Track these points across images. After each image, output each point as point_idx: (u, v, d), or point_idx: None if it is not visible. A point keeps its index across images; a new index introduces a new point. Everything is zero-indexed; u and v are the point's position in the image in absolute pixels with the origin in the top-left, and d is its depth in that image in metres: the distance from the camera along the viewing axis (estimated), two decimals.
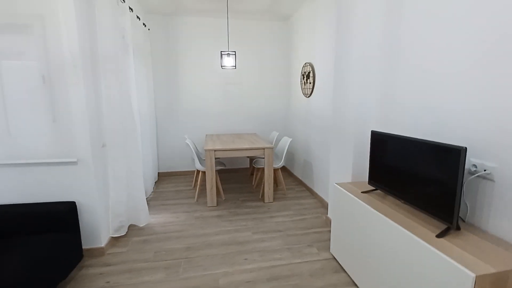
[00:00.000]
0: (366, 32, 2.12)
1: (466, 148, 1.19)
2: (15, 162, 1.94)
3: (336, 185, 2.06)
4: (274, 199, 3.40)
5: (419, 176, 1.48)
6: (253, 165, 3.63)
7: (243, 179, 4.21)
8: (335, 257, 2.10)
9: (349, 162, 2.31)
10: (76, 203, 2.08)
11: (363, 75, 2.18)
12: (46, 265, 1.65)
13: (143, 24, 3.56)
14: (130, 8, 2.91)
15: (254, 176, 3.97)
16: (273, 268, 2.02)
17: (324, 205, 3.15)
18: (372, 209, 1.61)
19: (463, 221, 1.45)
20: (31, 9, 1.85)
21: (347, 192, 1.90)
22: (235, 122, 4.57)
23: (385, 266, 1.49)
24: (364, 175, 2.29)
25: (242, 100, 4.52)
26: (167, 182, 4.09)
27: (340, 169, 2.46)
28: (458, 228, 1.34)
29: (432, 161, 1.38)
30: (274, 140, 4.03)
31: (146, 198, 3.41)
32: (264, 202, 3.30)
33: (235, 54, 3.36)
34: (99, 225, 2.17)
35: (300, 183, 4.01)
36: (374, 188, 1.90)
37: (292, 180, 4.20)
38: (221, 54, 3.34)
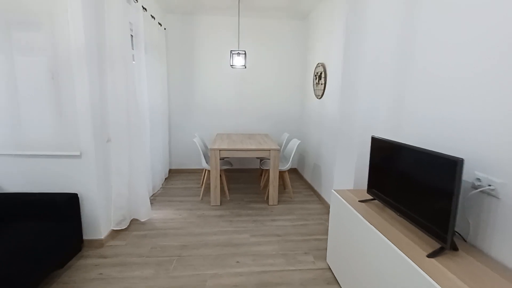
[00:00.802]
0: (377, 36, 1.98)
1: (463, 159, 1.06)
2: (23, 153, 2.07)
3: (334, 191, 1.96)
4: (279, 202, 3.33)
5: (415, 188, 1.35)
6: (260, 166, 3.58)
7: (251, 180, 4.17)
8: (331, 267, 2.00)
9: (352, 168, 2.18)
10: (78, 195, 2.17)
11: (373, 81, 2.04)
12: (43, 253, 1.74)
13: (159, 23, 3.65)
14: (143, 7, 2.99)
15: (262, 177, 3.92)
16: (263, 273, 1.97)
17: (329, 212, 3.02)
18: (364, 221, 1.50)
19: (465, 240, 1.30)
20: (41, 6, 1.95)
21: (343, 200, 1.79)
22: (248, 122, 4.55)
23: (375, 283, 1.38)
24: (365, 184, 2.15)
25: (256, 100, 4.48)
26: (177, 179, 4.17)
27: (344, 175, 2.33)
28: (455, 249, 1.19)
29: (428, 172, 1.25)
30: (284, 142, 3.95)
31: (154, 194, 3.50)
32: (268, 204, 3.24)
33: (245, 54, 3.33)
34: (99, 217, 2.25)
35: (309, 187, 3.89)
36: (372, 197, 1.77)
37: (301, 184, 4.09)
38: (231, 54, 3.32)
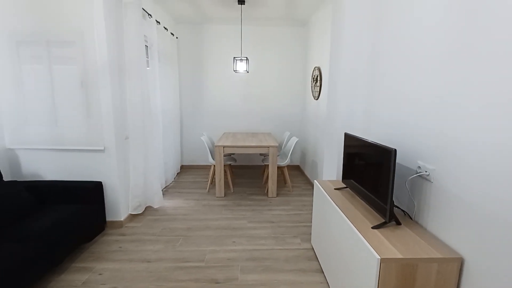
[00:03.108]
0: (353, 46, 2.26)
1: (395, 149, 1.34)
2: (58, 147, 2.52)
3: (316, 182, 2.25)
4: (278, 194, 3.64)
5: (369, 174, 1.63)
6: (262, 162, 3.90)
7: (255, 175, 4.50)
8: (313, 248, 2.29)
9: (335, 162, 2.46)
10: (102, 183, 2.60)
11: (351, 87, 2.32)
12: (75, 229, 2.16)
13: (171, 33, 4.07)
14: (157, 21, 3.40)
15: (264, 173, 4.24)
16: (254, 251, 2.29)
17: None
18: (333, 204, 1.79)
19: (411, 218, 1.56)
20: (73, 25, 2.38)
21: (322, 189, 2.08)
22: (253, 122, 4.89)
23: (337, 255, 1.67)
24: None
25: (260, 102, 4.81)
26: (188, 174, 4.58)
27: (330, 169, 2.62)
28: (398, 223, 1.47)
29: (376, 161, 1.53)
30: (285, 140, 4.25)
31: (167, 186, 3.92)
32: (267, 196, 3.56)
33: (247, 59, 3.67)
34: (119, 202, 2.67)
35: (308, 182, 4.17)
36: (345, 186, 2.05)
37: (302, 179, 4.37)
38: (234, 60, 3.67)
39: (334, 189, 2.07)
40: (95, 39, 2.39)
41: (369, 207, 1.72)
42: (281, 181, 4.16)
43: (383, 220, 1.48)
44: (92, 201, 2.48)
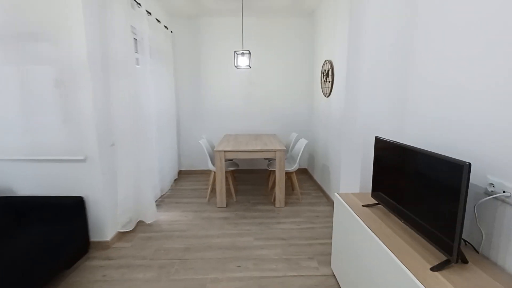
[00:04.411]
0: (378, 36, 1.88)
1: (470, 164, 0.96)
2: (32, 157, 2.14)
3: (337, 195, 1.87)
4: (287, 203, 3.26)
5: (420, 193, 1.25)
6: (267, 167, 3.52)
7: (259, 181, 4.13)
8: (335, 274, 1.91)
9: (357, 170, 2.08)
10: (84, 198, 2.22)
11: (375, 82, 1.94)
12: (50, 254, 1.79)
13: (165, 26, 3.68)
14: (147, 11, 3.02)
15: (270, 178, 3.86)
16: (264, 279, 1.92)
17: None
18: (366, 228, 1.41)
19: (477, 252, 1.18)
20: (46, 18, 2.00)
21: (346, 205, 1.71)
22: (256, 122, 4.51)
23: None
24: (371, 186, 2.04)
25: (264, 100, 4.43)
26: (186, 180, 4.21)
27: (349, 177, 2.24)
28: (464, 261, 1.09)
29: (434, 176, 1.15)
30: (292, 142, 3.87)
31: (162, 195, 3.54)
32: (275, 206, 3.19)
33: (249, 53, 3.29)
34: (105, 220, 2.29)
35: (318, 188, 3.79)
36: (376, 202, 1.67)
37: (311, 184, 3.99)
38: (235, 54, 3.29)
39: (362, 205, 1.69)
40: (71, 31, 2.01)
41: (417, 235, 1.34)
42: (288, 187, 3.78)
43: (446, 259, 1.10)
44: (73, 220, 2.11)
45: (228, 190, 3.49)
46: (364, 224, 1.44)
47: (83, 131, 2.14)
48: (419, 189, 1.25)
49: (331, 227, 2.68)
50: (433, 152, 1.16)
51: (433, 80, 1.45)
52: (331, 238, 2.46)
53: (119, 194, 2.45)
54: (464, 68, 1.24)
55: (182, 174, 4.51)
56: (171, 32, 4.05)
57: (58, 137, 2.15)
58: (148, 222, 2.71)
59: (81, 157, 2.15)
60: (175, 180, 4.19)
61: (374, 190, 1.68)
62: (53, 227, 1.96)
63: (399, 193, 1.41)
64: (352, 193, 1.91)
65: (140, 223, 2.74)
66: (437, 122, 1.42)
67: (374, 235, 1.32)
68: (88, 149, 2.16)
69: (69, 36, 2.01)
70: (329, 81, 3.28)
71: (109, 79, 2.32)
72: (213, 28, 4.18)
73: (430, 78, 1.47)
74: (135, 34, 2.88)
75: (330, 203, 3.24)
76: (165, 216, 2.93)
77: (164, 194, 3.60)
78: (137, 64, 2.98)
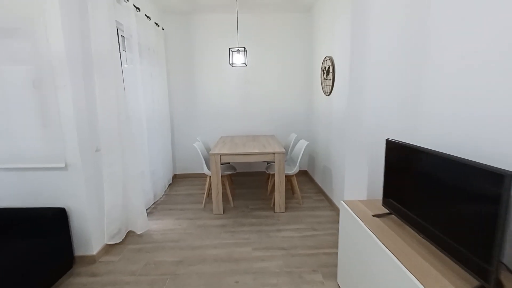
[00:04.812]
0: (385, 26, 1.72)
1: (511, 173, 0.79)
2: (6, 166, 1.95)
3: (343, 203, 1.70)
4: (287, 208, 3.09)
5: (445, 206, 1.08)
6: (266, 170, 3.35)
7: (258, 184, 3.95)
8: None
9: (364, 174, 1.91)
10: (66, 209, 2.04)
11: (383, 77, 1.77)
12: (29, 273, 1.62)
13: (156, 23, 3.50)
14: (136, 7, 2.83)
15: (269, 181, 3.68)
16: None
17: None
18: (379, 243, 1.24)
19: (510, 272, 1.01)
20: (20, 11, 1.82)
21: (354, 214, 1.53)
22: (254, 123, 4.33)
23: None
24: (380, 193, 1.87)
25: (261, 99, 4.25)
26: (181, 185, 4.02)
27: (355, 182, 2.07)
28: (500, 286, 0.92)
29: (464, 186, 0.98)
30: (291, 143, 3.70)
31: (155, 202, 3.36)
32: (274, 212, 3.01)
33: (245, 50, 3.11)
34: (90, 232, 2.10)
35: (320, 191, 3.62)
36: (388, 211, 1.50)
37: (311, 187, 3.82)
38: (230, 51, 3.11)
39: (373, 215, 1.52)
40: (47, 26, 1.82)
41: (440, 253, 1.17)
42: (288, 190, 3.61)
43: (479, 284, 0.93)
44: (54, 233, 1.93)
45: (225, 195, 3.32)
46: (378, 240, 1.26)
47: (63, 136, 1.95)
48: (444, 200, 1.08)
49: (335, 234, 2.51)
50: (464, 159, 0.99)
51: (452, 70, 1.28)
52: (335, 247, 2.29)
53: (106, 203, 2.26)
54: (492, 50, 1.08)
55: (177, 178, 4.33)
56: (163, 29, 3.86)
57: (37, 143, 1.96)
58: (138, 232, 2.53)
59: (62, 165, 1.96)
60: (169, 184, 4.00)
61: (385, 196, 1.51)
62: (31, 242, 1.79)
63: (417, 203, 1.24)
64: (359, 201, 1.73)
65: (130, 234, 2.55)
66: (458, 120, 1.25)
67: (391, 253, 1.15)
68: (70, 156, 1.97)
69: (45, 31, 1.82)
70: (330, 79, 3.11)
71: (93, 78, 2.13)
72: (207, 25, 4.00)
73: (448, 68, 1.30)
74: (123, 31, 2.70)
75: (333, 207, 3.07)
76: (158, 225, 2.75)
77: (157, 200, 3.41)
78: (126, 63, 2.80)
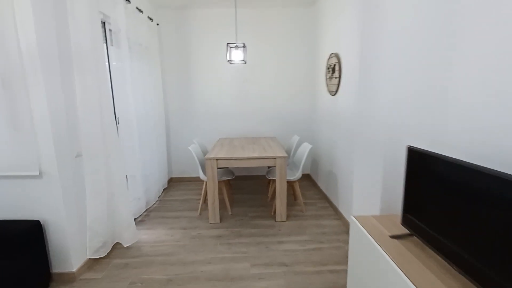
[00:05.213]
0: (403, 17, 1.48)
1: None
2: None
3: (354, 219, 1.47)
4: (289, 217, 2.86)
5: (490, 230, 0.84)
6: (266, 175, 3.12)
7: (258, 189, 3.72)
8: None
9: (377, 186, 1.68)
10: (42, 222, 1.82)
11: (400, 72, 1.53)
12: None
13: (149, 18, 3.27)
14: None
15: (270, 186, 3.45)
16: None
17: (348, 230, 2.52)
18: (401, 273, 1.01)
19: None
20: None
21: (367, 234, 1.30)
22: (254, 123, 4.10)
23: None
24: (397, 206, 1.63)
25: (262, 99, 4.02)
26: (177, 189, 3.80)
27: (365, 191, 1.84)
28: None
29: (508, 206, 0.75)
30: (294, 146, 3.47)
31: (148, 208, 3.14)
32: (275, 220, 2.78)
33: (244, 46, 2.88)
34: (69, 247, 1.89)
35: (324, 197, 3.38)
36: (409, 232, 1.27)
37: (315, 193, 3.59)
38: (228, 47, 2.88)
39: (390, 236, 1.28)
40: (15, 17, 1.60)
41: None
42: (290, 196, 3.38)
43: None
44: (28, 249, 1.72)
45: (222, 202, 3.10)
46: (399, 269, 1.03)
47: (37, 140, 1.73)
48: (488, 224, 0.84)
49: (342, 247, 2.28)
50: (503, 172, 0.76)
51: (494, 61, 1.04)
52: (343, 263, 2.06)
53: (89, 214, 2.04)
54: None
55: (173, 182, 4.11)
56: (157, 24, 3.64)
57: (7, 148, 1.74)
58: (126, 245, 2.31)
59: (35, 173, 1.74)
60: (164, 189, 3.78)
61: (405, 212, 1.27)
62: (0, 260, 1.57)
63: (451, 228, 1.01)
64: (373, 216, 1.50)
65: (117, 246, 2.33)
66: (502, 127, 1.01)
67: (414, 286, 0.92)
68: (44, 162, 1.76)
69: (13, 22, 1.60)
70: (336, 77, 2.87)
71: (72, 76, 1.91)
72: (205, 20, 3.77)
73: (488, 59, 1.06)
74: (109, 24, 2.48)
75: (339, 215, 2.84)
76: (148, 235, 2.53)
77: (150, 207, 3.19)
78: (113, 60, 2.58)
